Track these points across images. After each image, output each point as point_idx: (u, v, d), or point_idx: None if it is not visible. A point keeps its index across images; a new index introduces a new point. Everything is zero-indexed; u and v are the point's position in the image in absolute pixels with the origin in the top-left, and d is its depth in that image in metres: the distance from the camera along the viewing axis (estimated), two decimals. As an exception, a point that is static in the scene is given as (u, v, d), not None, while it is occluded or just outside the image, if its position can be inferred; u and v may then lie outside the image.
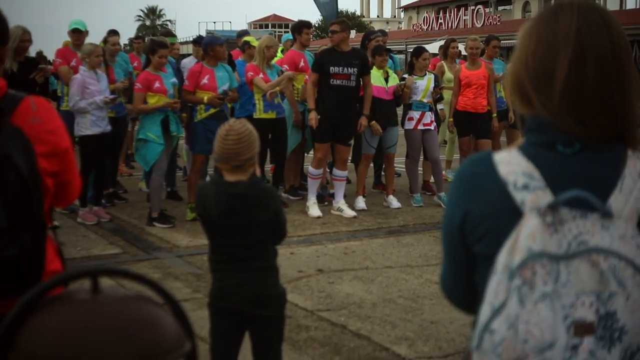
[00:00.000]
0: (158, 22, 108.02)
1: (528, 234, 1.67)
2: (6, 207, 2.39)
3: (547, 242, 1.66)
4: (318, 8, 17.70)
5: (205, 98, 9.24)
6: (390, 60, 11.23)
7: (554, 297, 1.64)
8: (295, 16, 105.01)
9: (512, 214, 1.74)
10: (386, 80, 10.32)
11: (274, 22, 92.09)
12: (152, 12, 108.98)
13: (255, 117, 9.94)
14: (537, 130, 1.83)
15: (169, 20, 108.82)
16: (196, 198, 4.13)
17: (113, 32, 11.42)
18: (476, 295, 1.91)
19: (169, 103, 9.05)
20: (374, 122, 10.12)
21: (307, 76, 10.32)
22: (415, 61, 10.64)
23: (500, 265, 1.69)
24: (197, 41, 11.34)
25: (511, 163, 1.81)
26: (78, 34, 10.21)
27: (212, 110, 9.34)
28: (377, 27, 76.27)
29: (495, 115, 11.12)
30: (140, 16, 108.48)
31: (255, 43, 11.28)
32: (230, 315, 3.99)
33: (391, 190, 10.71)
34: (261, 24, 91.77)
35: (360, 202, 10.35)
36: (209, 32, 59.87)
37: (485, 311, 1.69)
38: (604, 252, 1.66)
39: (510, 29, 46.18)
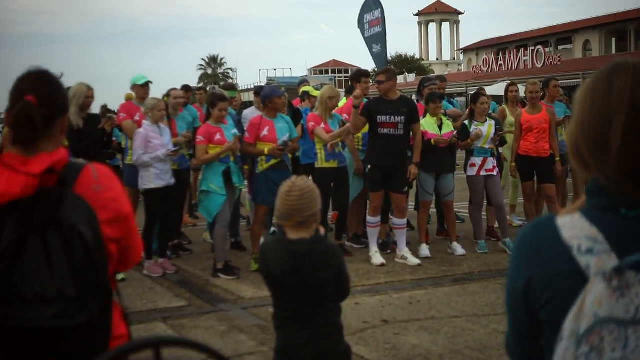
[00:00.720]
0: (219, 70, 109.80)
1: (594, 299, 1.63)
2: (74, 276, 2.45)
3: (614, 307, 1.62)
4: (372, 58, 18.08)
5: (266, 150, 9.32)
6: (448, 104, 11.22)
7: (623, 365, 1.60)
8: (354, 61, 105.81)
9: (577, 279, 1.71)
10: (440, 127, 10.31)
11: (334, 68, 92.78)
12: (214, 61, 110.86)
13: (317, 166, 10.04)
14: (598, 194, 1.81)
15: (230, 69, 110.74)
16: (260, 256, 4.16)
17: (185, 88, 11.66)
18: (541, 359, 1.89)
19: (228, 146, 9.14)
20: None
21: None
22: (474, 107, 10.62)
23: (567, 332, 1.65)
24: (258, 92, 11.47)
25: (574, 227, 1.78)
26: (146, 87, 10.38)
27: (273, 161, 9.41)
28: (436, 69, 76.57)
29: (558, 159, 10.99)
30: (202, 65, 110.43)
31: (314, 93, 11.38)
32: (296, 373, 3.98)
33: (455, 237, 10.62)
34: (321, 70, 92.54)
35: (424, 250, 10.29)
36: (269, 79, 60.57)
37: (553, 379, 1.66)
38: (672, 318, 1.62)
39: (571, 69, 45.87)
